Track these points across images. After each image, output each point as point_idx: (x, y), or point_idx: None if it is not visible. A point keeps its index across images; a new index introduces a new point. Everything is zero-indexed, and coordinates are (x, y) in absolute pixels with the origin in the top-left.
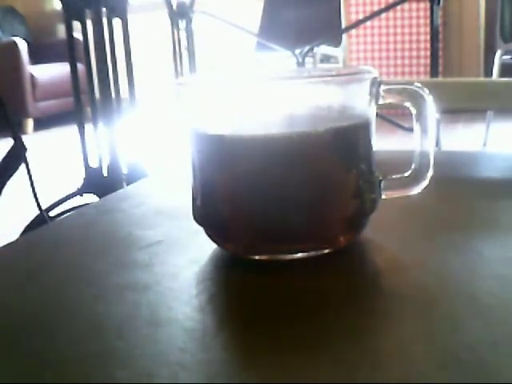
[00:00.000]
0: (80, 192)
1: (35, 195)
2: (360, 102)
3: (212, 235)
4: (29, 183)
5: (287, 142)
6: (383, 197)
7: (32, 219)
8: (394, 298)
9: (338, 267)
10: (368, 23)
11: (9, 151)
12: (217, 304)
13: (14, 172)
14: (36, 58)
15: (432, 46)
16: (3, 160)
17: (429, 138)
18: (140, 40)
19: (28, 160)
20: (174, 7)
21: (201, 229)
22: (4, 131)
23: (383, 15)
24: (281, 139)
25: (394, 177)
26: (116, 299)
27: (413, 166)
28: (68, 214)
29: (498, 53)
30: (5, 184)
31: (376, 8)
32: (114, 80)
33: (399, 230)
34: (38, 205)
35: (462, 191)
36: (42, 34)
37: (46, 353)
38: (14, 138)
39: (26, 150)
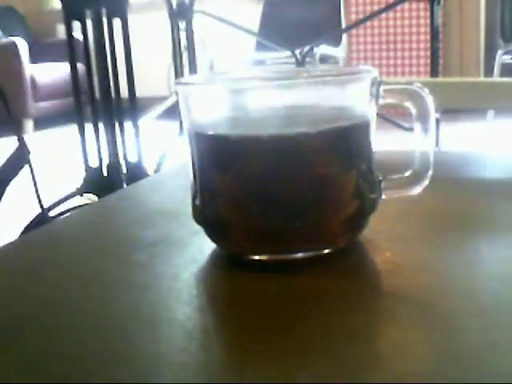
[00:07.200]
0: (80, 192)
1: (38, 196)
2: (360, 102)
3: (212, 235)
4: (30, 184)
5: (287, 142)
6: (383, 197)
7: (32, 219)
8: (394, 298)
9: (338, 267)
10: (368, 23)
11: (13, 153)
12: (217, 304)
13: (17, 174)
14: (36, 58)
15: (432, 46)
16: (7, 161)
17: (429, 138)
18: (140, 40)
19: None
20: (174, 7)
21: (201, 229)
22: (6, 131)
23: (383, 15)
24: (281, 139)
25: (394, 177)
26: (116, 299)
27: (413, 166)
28: (68, 213)
29: (499, 53)
30: (8, 185)
31: (376, 8)
32: (114, 80)
33: (399, 230)
34: (41, 206)
35: (462, 191)
36: (42, 34)
37: (46, 353)
38: (18, 140)
39: (29, 152)
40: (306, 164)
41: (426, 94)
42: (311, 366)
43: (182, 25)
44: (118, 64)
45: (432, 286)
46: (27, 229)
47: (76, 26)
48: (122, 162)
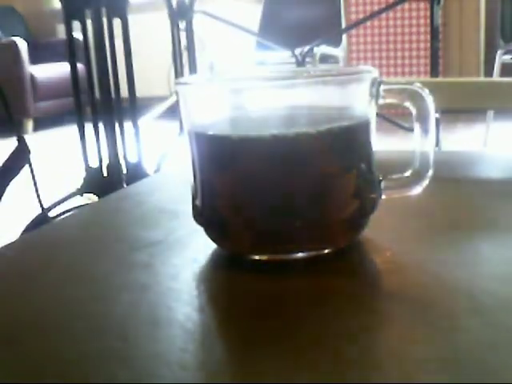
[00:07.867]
0: (80, 192)
1: (38, 196)
2: (360, 102)
3: (212, 235)
4: (30, 184)
5: (287, 142)
6: (383, 197)
7: (32, 219)
8: (394, 297)
9: (338, 267)
10: (368, 23)
11: (12, 152)
12: (217, 304)
13: (18, 173)
14: (36, 58)
15: (432, 46)
16: (7, 161)
17: (429, 138)
18: (140, 40)
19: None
20: (174, 7)
21: (201, 229)
22: (6, 132)
23: (383, 15)
24: (281, 139)
25: (394, 177)
26: (116, 299)
27: (413, 166)
28: (68, 213)
29: (499, 53)
30: (8, 185)
31: (376, 8)
32: (114, 80)
33: (399, 230)
34: (41, 206)
35: (462, 191)
36: (42, 34)
37: (46, 353)
38: (18, 140)
39: (29, 152)
40: (306, 164)
41: (426, 94)
42: (311, 366)
43: (182, 25)
44: (118, 64)
45: (432, 286)
46: (27, 229)
47: (76, 25)
48: (122, 162)
